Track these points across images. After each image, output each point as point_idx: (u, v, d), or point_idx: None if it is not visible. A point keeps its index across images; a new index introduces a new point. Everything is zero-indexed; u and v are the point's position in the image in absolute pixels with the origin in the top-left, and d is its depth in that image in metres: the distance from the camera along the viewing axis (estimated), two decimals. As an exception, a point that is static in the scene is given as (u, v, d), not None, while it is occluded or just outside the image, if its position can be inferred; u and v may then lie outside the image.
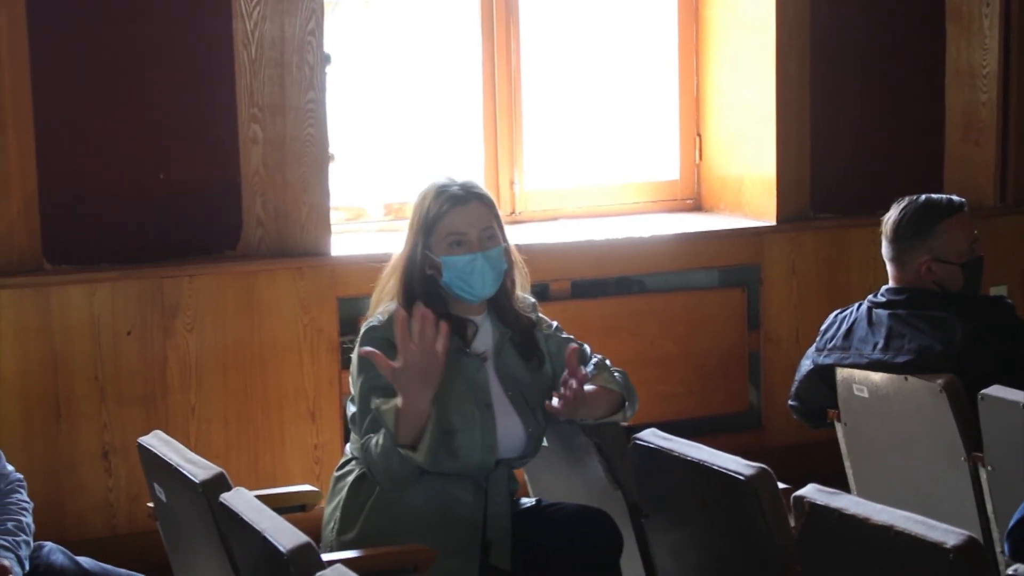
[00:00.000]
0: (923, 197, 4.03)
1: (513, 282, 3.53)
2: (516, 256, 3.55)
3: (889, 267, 4.04)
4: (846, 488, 3.99)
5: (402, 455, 3.18)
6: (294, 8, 4.75)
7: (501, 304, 3.50)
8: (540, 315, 3.61)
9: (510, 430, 3.41)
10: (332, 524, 3.41)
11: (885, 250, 4.03)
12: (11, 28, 4.50)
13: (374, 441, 3.24)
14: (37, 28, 4.54)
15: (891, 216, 4.01)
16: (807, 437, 4.84)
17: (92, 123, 4.64)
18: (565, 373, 3.35)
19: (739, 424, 5.46)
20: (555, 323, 3.64)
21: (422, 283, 3.42)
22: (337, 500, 3.42)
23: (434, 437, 3.18)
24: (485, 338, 3.48)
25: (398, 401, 3.16)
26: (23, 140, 4.55)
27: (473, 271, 3.38)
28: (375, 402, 3.22)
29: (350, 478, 3.41)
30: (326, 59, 4.82)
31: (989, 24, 5.61)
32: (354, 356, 3.42)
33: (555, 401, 3.34)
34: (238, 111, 4.74)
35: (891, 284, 4.03)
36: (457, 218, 3.40)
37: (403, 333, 3.12)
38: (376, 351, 3.16)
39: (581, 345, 3.61)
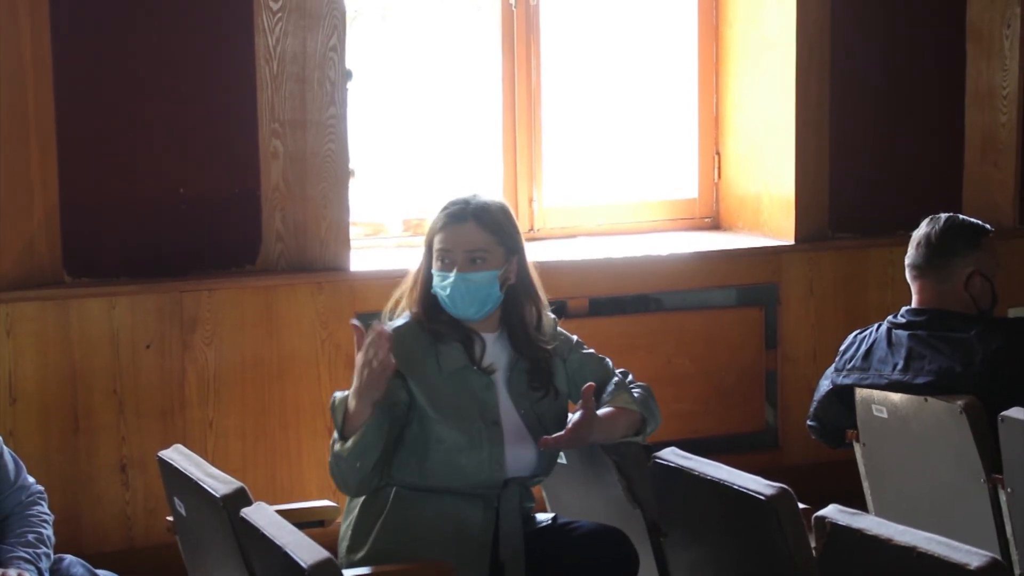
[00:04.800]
0: (958, 215, 4.03)
1: (530, 311, 3.49)
2: (536, 279, 3.52)
3: (919, 281, 3.99)
4: (863, 509, 3.98)
5: (337, 450, 3.23)
6: (316, 24, 4.76)
7: (513, 328, 3.47)
8: (560, 330, 3.59)
9: (520, 449, 3.40)
10: (345, 542, 3.40)
11: (921, 260, 3.98)
12: (35, 42, 4.52)
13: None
14: (60, 42, 4.56)
15: (933, 228, 3.97)
16: (823, 457, 4.84)
17: (113, 137, 4.66)
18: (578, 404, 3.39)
19: (755, 443, 5.45)
20: (575, 337, 3.61)
21: (432, 295, 3.43)
22: (350, 518, 3.41)
23: (367, 440, 3.20)
24: (498, 356, 3.45)
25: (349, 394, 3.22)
26: (45, 153, 4.56)
27: (446, 289, 3.38)
28: (335, 396, 3.27)
29: (363, 496, 3.41)
30: (347, 75, 4.84)
31: (1010, 45, 5.60)
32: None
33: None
34: (259, 126, 4.75)
35: (914, 303, 4.01)
36: (447, 235, 3.41)
37: (360, 342, 3.16)
38: (359, 325, 3.21)
39: (603, 359, 3.58)
